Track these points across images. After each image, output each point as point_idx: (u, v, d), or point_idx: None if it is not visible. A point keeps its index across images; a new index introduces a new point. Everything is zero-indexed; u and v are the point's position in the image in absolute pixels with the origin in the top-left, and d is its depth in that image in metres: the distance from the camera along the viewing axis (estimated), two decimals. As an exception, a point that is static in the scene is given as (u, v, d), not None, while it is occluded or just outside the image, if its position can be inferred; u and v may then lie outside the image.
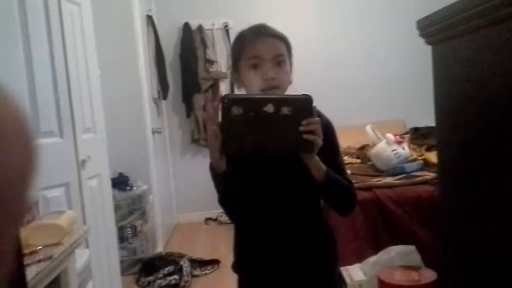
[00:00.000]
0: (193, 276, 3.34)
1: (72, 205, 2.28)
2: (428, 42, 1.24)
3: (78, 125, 2.41)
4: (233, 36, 4.84)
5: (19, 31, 2.02)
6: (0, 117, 0.33)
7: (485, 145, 1.06)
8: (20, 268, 0.74)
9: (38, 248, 1.32)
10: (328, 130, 1.26)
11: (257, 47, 1.23)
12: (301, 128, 1.07)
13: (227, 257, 3.49)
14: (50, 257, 1.27)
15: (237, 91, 1.40)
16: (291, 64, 1.30)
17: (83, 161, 2.42)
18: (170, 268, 3.26)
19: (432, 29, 1.17)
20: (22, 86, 2.03)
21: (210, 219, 4.90)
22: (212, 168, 1.18)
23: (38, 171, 0.36)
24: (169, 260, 3.45)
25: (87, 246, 2.32)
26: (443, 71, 1.22)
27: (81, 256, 1.87)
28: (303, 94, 1.10)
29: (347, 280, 1.04)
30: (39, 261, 1.24)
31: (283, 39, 1.28)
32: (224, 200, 1.25)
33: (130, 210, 3.51)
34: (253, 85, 1.24)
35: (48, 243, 1.37)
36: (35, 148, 0.37)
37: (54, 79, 2.24)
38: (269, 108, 1.06)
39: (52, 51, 2.23)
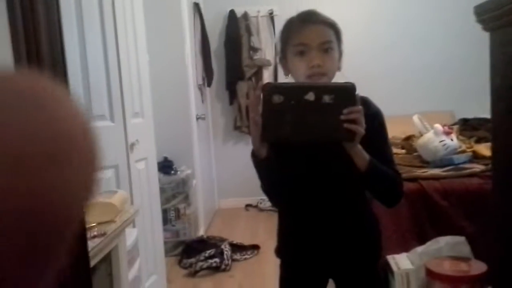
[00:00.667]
0: (233, 260, 3.40)
1: (120, 187, 2.36)
2: (486, 29, 1.20)
3: (127, 110, 2.48)
4: (278, 23, 4.86)
5: (74, 15, 2.09)
6: (70, 134, 0.30)
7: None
8: (83, 243, 0.79)
9: (93, 225, 1.39)
10: (375, 119, 1.25)
11: (303, 34, 1.23)
12: (342, 117, 1.06)
13: (267, 243, 3.53)
14: (103, 234, 1.33)
15: (281, 79, 1.40)
16: (340, 51, 1.29)
17: (132, 145, 2.50)
18: (211, 251, 3.34)
19: (491, 15, 1.13)
20: (77, 71, 2.10)
21: (250, 205, 4.95)
22: (254, 155, 1.19)
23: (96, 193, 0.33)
24: (210, 243, 3.53)
25: (135, 226, 2.40)
26: (502, 58, 1.18)
27: (130, 235, 1.94)
28: (345, 82, 1.09)
29: (394, 268, 1.04)
30: (94, 237, 1.30)
31: (331, 26, 1.27)
32: (266, 187, 1.26)
33: (174, 193, 3.60)
34: (299, 72, 1.24)
35: (102, 221, 1.44)
36: (98, 171, 0.33)
37: (106, 64, 2.31)
38: (310, 96, 1.06)
39: (105, 35, 2.30)
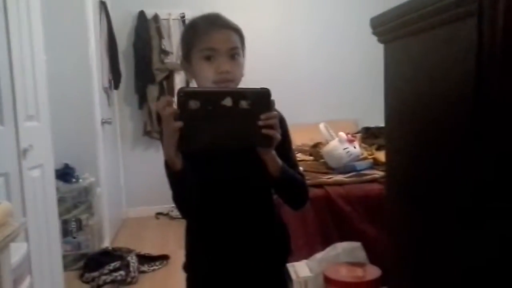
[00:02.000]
0: (141, 272, 3.26)
1: (11, 197, 2.15)
2: (380, 40, 1.25)
3: (20, 112, 2.27)
4: (189, 27, 4.75)
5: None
6: None
7: (433, 144, 1.08)
8: None
9: (-33, 241, 1.23)
10: (281, 124, 1.25)
11: (212, 38, 1.19)
12: (260, 123, 1.05)
13: (177, 252, 3.43)
14: (-21, 252, 1.18)
15: (193, 84, 1.35)
16: (244, 57, 1.28)
17: (25, 150, 2.29)
18: (116, 264, 3.16)
19: (385, 28, 1.18)
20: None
21: (161, 213, 4.81)
22: (168, 165, 1.13)
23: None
24: (115, 255, 3.34)
25: (27, 240, 2.20)
26: (394, 70, 1.24)
27: (19, 250, 1.76)
28: (261, 87, 1.08)
29: (293, 276, 1.03)
30: (-33, 255, 1.14)
31: (237, 31, 1.25)
32: (179, 198, 1.21)
33: (75, 203, 3.38)
34: (205, 77, 1.20)
35: (-21, 236, 1.27)
36: None
37: (-5, 63, 2.10)
38: (227, 101, 1.03)
39: (-6, 33, 2.09)
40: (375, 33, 1.22)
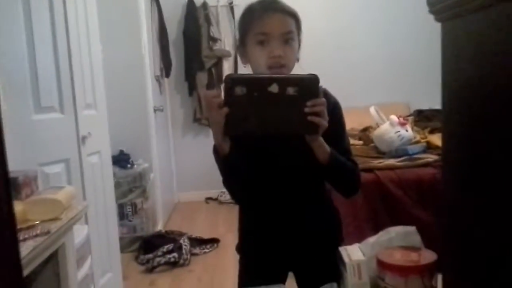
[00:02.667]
0: (192, 254, 3.35)
1: (72, 182, 2.27)
2: (438, 19, 1.20)
3: (79, 101, 2.38)
4: (238, 13, 4.79)
5: (20, 4, 1.98)
6: None
7: (493, 129, 1.03)
8: (14, 244, 0.72)
9: (36, 223, 1.31)
10: (335, 110, 1.24)
11: (265, 23, 1.19)
12: (306, 110, 1.04)
13: (227, 236, 3.51)
14: (47, 232, 1.26)
15: (241, 70, 1.36)
16: (299, 42, 1.26)
17: (84, 138, 2.40)
18: (169, 246, 3.28)
19: (443, 5, 1.13)
20: (23, 61, 1.99)
21: (210, 198, 4.91)
22: (216, 150, 1.16)
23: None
24: (168, 238, 3.46)
25: (87, 222, 2.32)
26: (452, 49, 1.18)
27: (80, 232, 1.86)
28: (309, 74, 1.07)
29: (346, 259, 1.03)
30: (36, 235, 1.23)
31: (293, 15, 1.24)
32: (229, 182, 1.24)
33: (131, 187, 3.51)
34: (259, 62, 1.20)
35: (46, 218, 1.36)
36: None
37: (55, 54, 2.20)
38: (274, 88, 1.03)
39: (54, 24, 2.19)
40: (432, 11, 1.17)
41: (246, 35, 1.23)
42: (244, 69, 1.32)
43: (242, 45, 1.26)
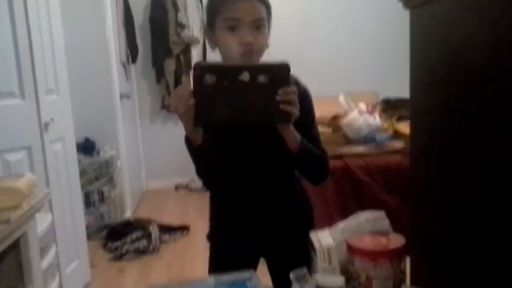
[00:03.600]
0: (162, 242, 3.32)
1: (34, 169, 2.20)
2: (407, 6, 1.21)
3: (40, 86, 2.29)
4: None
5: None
6: None
7: (460, 116, 1.05)
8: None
9: (-5, 211, 1.26)
10: (305, 98, 1.23)
11: (236, 8, 1.15)
12: (278, 98, 1.03)
13: (197, 223, 3.48)
14: (7, 220, 1.21)
15: (210, 57, 1.33)
16: (269, 28, 1.24)
17: (46, 124, 2.33)
18: (138, 234, 3.23)
19: (411, -9, 1.13)
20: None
21: (180, 185, 4.86)
22: (188, 140, 1.13)
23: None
24: (137, 225, 3.41)
25: (51, 210, 2.25)
26: (421, 37, 1.20)
27: (44, 220, 1.81)
28: (280, 62, 1.05)
29: (316, 245, 1.03)
30: (-4, 224, 1.18)
31: (264, 2, 1.21)
32: (202, 172, 1.22)
33: (97, 175, 3.43)
34: (229, 49, 1.17)
35: (6, 206, 1.30)
36: None
37: (14, 37, 2.11)
38: (245, 76, 1.01)
39: (12, 6, 2.09)
40: (400, -2, 1.17)
41: (215, 19, 1.20)
42: (213, 55, 1.29)
43: (210, 28, 1.23)
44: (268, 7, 1.23)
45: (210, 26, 1.23)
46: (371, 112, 3.09)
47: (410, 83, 1.37)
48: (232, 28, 1.16)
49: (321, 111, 3.75)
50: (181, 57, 4.71)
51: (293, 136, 1.15)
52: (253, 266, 1.36)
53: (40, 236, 1.61)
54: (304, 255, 1.32)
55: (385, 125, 3.26)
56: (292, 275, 1.01)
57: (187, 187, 4.79)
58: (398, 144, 2.88)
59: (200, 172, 1.22)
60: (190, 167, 1.21)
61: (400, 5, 1.23)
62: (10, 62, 2.10)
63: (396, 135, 3.13)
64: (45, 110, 2.32)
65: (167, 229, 3.49)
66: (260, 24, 1.18)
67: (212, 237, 1.38)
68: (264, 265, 1.40)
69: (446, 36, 1.05)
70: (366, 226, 1.10)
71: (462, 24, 0.97)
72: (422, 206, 1.25)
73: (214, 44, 1.23)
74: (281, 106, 1.03)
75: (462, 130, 1.01)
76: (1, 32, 2.02)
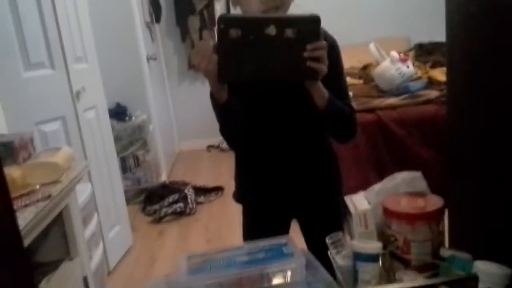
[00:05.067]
0: (198, 203, 3.40)
1: (70, 139, 2.25)
2: (441, -51, 1.11)
3: (68, 55, 2.30)
4: (226, -49, 4.47)
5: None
6: None
7: (500, 62, 0.97)
8: (10, 213, 0.70)
9: (36, 187, 1.30)
10: (332, 51, 1.17)
11: None
12: (306, 54, 0.98)
13: (231, 183, 3.47)
14: (48, 196, 1.25)
15: (234, 11, 1.28)
16: None
17: (78, 93, 2.35)
18: (175, 196, 3.31)
19: None
20: (6, 18, 1.90)
21: (212, 146, 4.90)
22: (213, 97, 1.11)
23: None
24: (173, 188, 3.49)
25: (90, 180, 2.32)
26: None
27: (84, 191, 1.86)
28: (310, 14, 0.99)
29: (352, 210, 1.02)
30: (38, 201, 1.21)
31: None
32: (226, 130, 1.21)
33: (131, 140, 3.49)
34: (251, 6, 1.12)
35: (46, 182, 1.34)
36: None
37: (39, 8, 2.11)
38: (271, 30, 0.96)
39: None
40: None
41: None
42: (238, 11, 1.24)
43: None
44: None
45: None
46: (403, 60, 2.97)
47: (446, 28, 1.27)
48: None
49: (350, 61, 3.68)
50: (205, 12, 4.62)
51: (320, 93, 1.11)
52: (286, 228, 1.36)
53: (81, 206, 1.67)
54: (336, 217, 1.32)
55: (419, 73, 3.14)
56: (328, 240, 1.00)
57: (218, 147, 4.83)
58: (433, 93, 2.78)
59: (223, 130, 1.20)
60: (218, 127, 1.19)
61: None
62: (38, 33, 2.10)
63: (431, 83, 3.01)
64: (76, 78, 2.34)
65: (202, 191, 3.56)
66: None
67: (239, 198, 1.37)
68: (297, 227, 1.40)
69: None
70: (402, 187, 1.07)
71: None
72: (459, 161, 1.20)
73: (236, 1, 1.19)
74: (308, 63, 0.99)
75: (502, 79, 0.94)
76: (27, 4, 2.02)
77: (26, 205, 1.18)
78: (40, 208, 1.19)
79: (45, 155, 1.46)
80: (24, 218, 1.11)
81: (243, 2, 1.15)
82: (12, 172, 1.26)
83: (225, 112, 1.13)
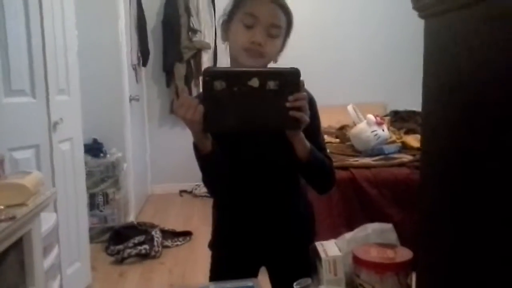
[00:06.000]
0: (164, 247, 3.31)
1: (41, 168, 2.21)
2: (422, 16, 1.19)
3: (51, 86, 2.31)
4: (218, 5, 4.70)
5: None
6: None
7: (475, 129, 1.02)
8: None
9: (0, 207, 1.25)
10: (311, 106, 1.22)
11: (259, 6, 1.17)
12: (288, 104, 1.02)
13: (200, 229, 3.47)
14: (12, 218, 1.20)
15: (221, 63, 1.33)
16: (284, 44, 1.24)
17: (55, 124, 2.33)
18: (140, 238, 3.22)
19: (427, 2, 1.12)
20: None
21: (185, 191, 4.85)
22: (197, 148, 1.12)
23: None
24: (140, 229, 3.40)
25: (56, 210, 2.25)
26: (435, 47, 1.18)
27: (48, 220, 1.80)
28: (290, 68, 1.04)
29: (322, 255, 1.02)
30: (0, 221, 1.17)
31: (287, 13, 1.22)
32: (210, 180, 1.21)
33: (103, 177, 3.43)
34: (237, 42, 1.18)
35: (12, 203, 1.30)
36: None
37: (28, 36, 2.13)
38: (254, 82, 1.00)
39: (27, 5, 2.12)
40: (416, 7, 1.16)
41: (235, 12, 1.20)
42: (224, 62, 1.29)
43: (228, 20, 1.23)
44: (289, 21, 1.23)
45: (228, 18, 1.23)
46: (379, 123, 3.07)
47: (423, 93, 1.34)
48: (248, 26, 1.16)
49: (329, 121, 3.79)
50: (192, 62, 4.73)
51: (302, 143, 1.13)
52: (254, 275, 1.34)
53: (43, 235, 1.61)
54: (306, 266, 1.31)
55: (394, 137, 3.24)
56: (296, 286, 0.99)
57: (191, 193, 4.78)
58: (407, 157, 2.86)
59: (206, 180, 1.21)
60: (196, 172, 1.19)
61: (414, 14, 1.22)
62: (23, 60, 2.11)
63: (405, 147, 3.11)
64: (55, 109, 2.33)
65: (170, 234, 3.48)
66: (275, 32, 1.18)
67: (215, 246, 1.37)
68: (265, 274, 1.38)
69: (462, 47, 1.03)
70: (373, 238, 1.08)
71: (481, 37, 0.95)
72: (431, 221, 1.22)
73: (226, 37, 1.24)
74: (291, 113, 1.02)
75: (477, 143, 0.98)
76: (16, 31, 2.04)
77: (-13, 225, 1.14)
78: (2, 228, 1.14)
79: (14, 177, 1.42)
80: (-16, 237, 1.06)
81: (232, 39, 1.21)
82: (-22, 190, 1.22)
83: (209, 162, 1.14)
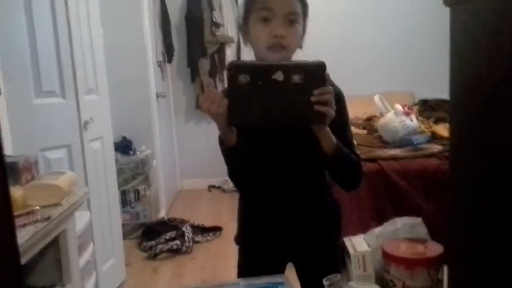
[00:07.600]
0: (195, 242, 3.35)
1: (74, 167, 2.26)
2: (447, 4, 1.16)
3: (80, 86, 2.36)
4: (241, -1, 4.65)
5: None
6: None
7: (503, 119, 0.99)
8: (10, 231, 0.70)
9: (36, 208, 1.30)
10: (338, 100, 1.20)
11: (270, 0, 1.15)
12: (313, 98, 1.01)
13: (229, 224, 3.49)
14: (47, 218, 1.24)
15: (244, 56, 1.33)
16: (304, 27, 1.22)
17: (86, 123, 2.39)
18: (172, 233, 3.27)
19: (453, -11, 1.08)
20: (24, 44, 1.97)
21: (213, 186, 4.89)
22: (222, 142, 1.13)
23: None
24: (171, 225, 3.46)
25: (89, 209, 2.31)
26: (461, 36, 1.14)
27: (82, 219, 1.85)
28: (315, 61, 1.03)
29: (350, 250, 1.01)
30: (36, 221, 1.21)
31: None
32: (235, 174, 1.22)
33: (133, 174, 3.50)
34: (259, 41, 1.17)
35: (47, 204, 1.34)
36: None
37: (56, 38, 2.18)
38: (279, 76, 1.00)
39: (54, 8, 2.17)
40: (441, -5, 1.13)
41: (250, 11, 1.19)
42: (247, 55, 1.29)
43: (244, 23, 1.22)
44: (304, 5, 1.21)
45: (244, 21, 1.22)
46: (407, 113, 3.01)
47: (450, 84, 1.31)
48: (264, 20, 1.15)
49: (355, 112, 3.74)
50: (216, 56, 4.74)
51: (328, 137, 1.12)
52: (281, 271, 1.34)
53: (78, 234, 1.65)
54: (333, 262, 1.30)
55: (422, 127, 3.18)
56: (325, 282, 0.99)
57: (220, 188, 4.82)
58: (436, 147, 2.80)
59: (232, 174, 1.21)
60: (224, 168, 1.20)
61: (440, 2, 1.19)
62: (52, 62, 2.17)
63: (434, 137, 3.04)
64: (85, 109, 2.38)
65: (200, 230, 3.52)
66: (293, 18, 1.16)
67: (240, 240, 1.37)
68: (293, 270, 1.38)
69: (490, 36, 1.00)
70: (402, 233, 1.07)
71: (507, 23, 0.91)
72: (462, 214, 1.20)
73: (247, 39, 1.23)
74: (316, 107, 1.01)
75: (506, 134, 0.96)
76: (44, 34, 2.09)
77: (24, 225, 1.18)
78: (38, 229, 1.18)
79: (48, 177, 1.46)
80: (21, 237, 1.10)
81: (253, 39, 1.20)
82: (14, 191, 1.26)
83: (234, 156, 1.15)
